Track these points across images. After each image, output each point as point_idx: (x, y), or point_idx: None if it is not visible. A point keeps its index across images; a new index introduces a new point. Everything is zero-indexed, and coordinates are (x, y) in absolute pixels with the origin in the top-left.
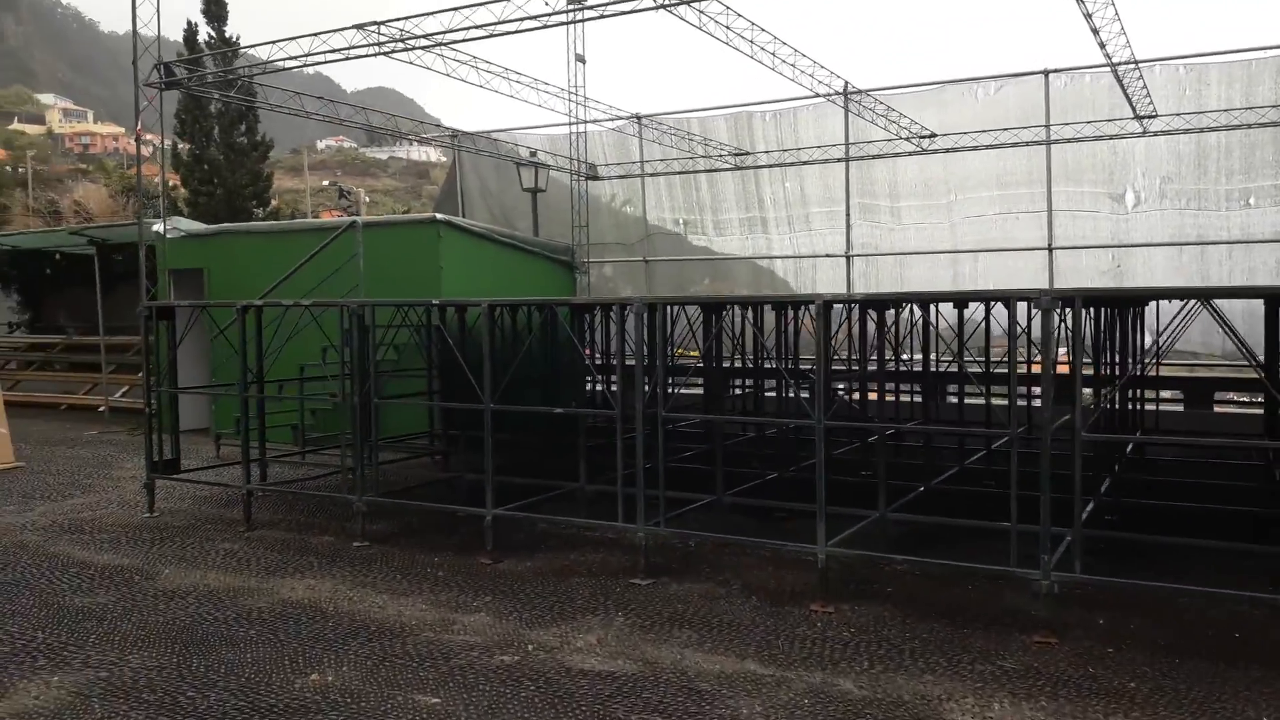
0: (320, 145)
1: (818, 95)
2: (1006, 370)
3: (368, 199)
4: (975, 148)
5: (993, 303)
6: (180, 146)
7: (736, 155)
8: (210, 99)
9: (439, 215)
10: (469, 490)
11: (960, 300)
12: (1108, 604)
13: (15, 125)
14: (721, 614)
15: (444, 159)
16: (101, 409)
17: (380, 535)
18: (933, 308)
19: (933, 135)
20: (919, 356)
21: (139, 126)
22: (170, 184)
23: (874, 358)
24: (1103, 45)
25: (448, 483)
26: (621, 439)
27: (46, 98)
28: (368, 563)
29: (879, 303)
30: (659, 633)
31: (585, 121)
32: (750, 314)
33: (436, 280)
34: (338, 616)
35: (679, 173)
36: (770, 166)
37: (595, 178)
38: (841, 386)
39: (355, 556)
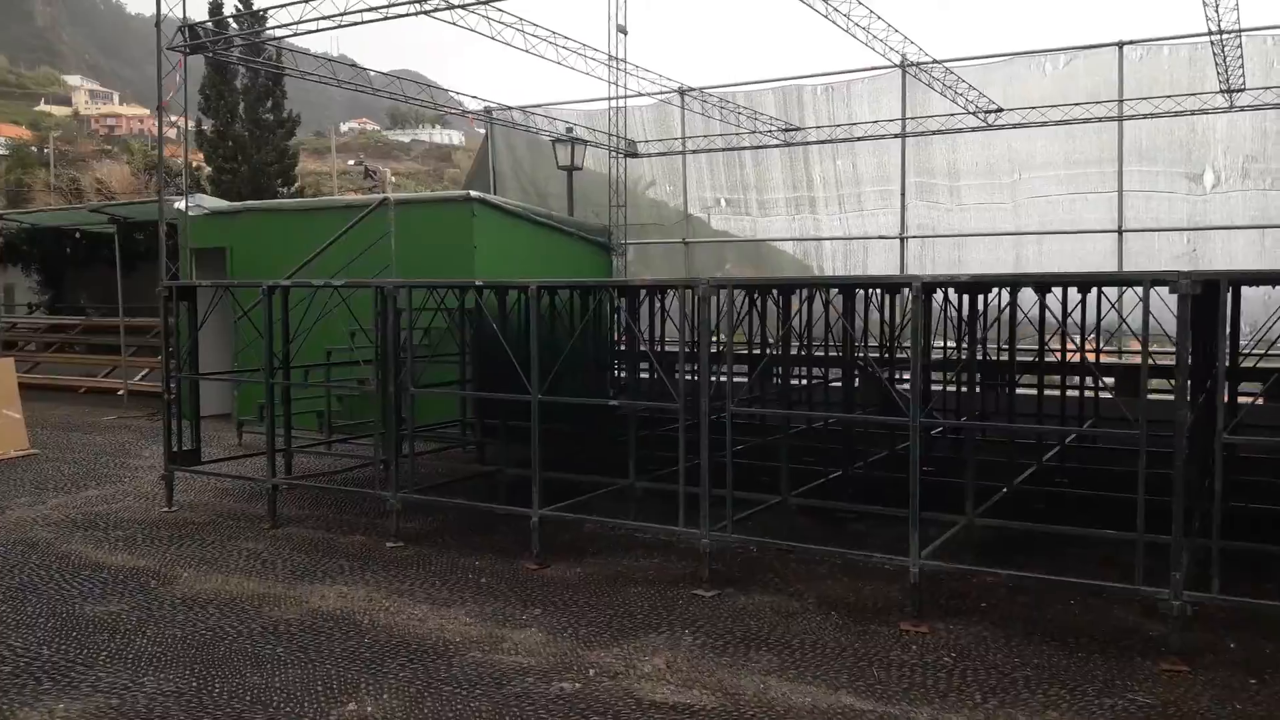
0: (343, 128)
1: (875, 68)
2: (1089, 360)
3: (394, 179)
4: (1044, 123)
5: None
6: (204, 124)
7: (785, 131)
8: (235, 73)
9: (473, 193)
10: (509, 486)
11: (1084, 283)
12: (1230, 624)
13: (42, 106)
14: (800, 633)
15: (466, 142)
16: (120, 392)
17: (415, 534)
18: (998, 293)
19: (999, 110)
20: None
21: (162, 96)
22: (193, 164)
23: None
24: (1214, 6)
25: (487, 477)
26: (684, 434)
27: (73, 79)
28: (403, 566)
29: (977, 286)
30: (734, 655)
31: (626, 96)
32: (802, 299)
33: (470, 260)
34: (374, 631)
35: (723, 150)
36: (821, 143)
37: (635, 155)
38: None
39: (390, 559)
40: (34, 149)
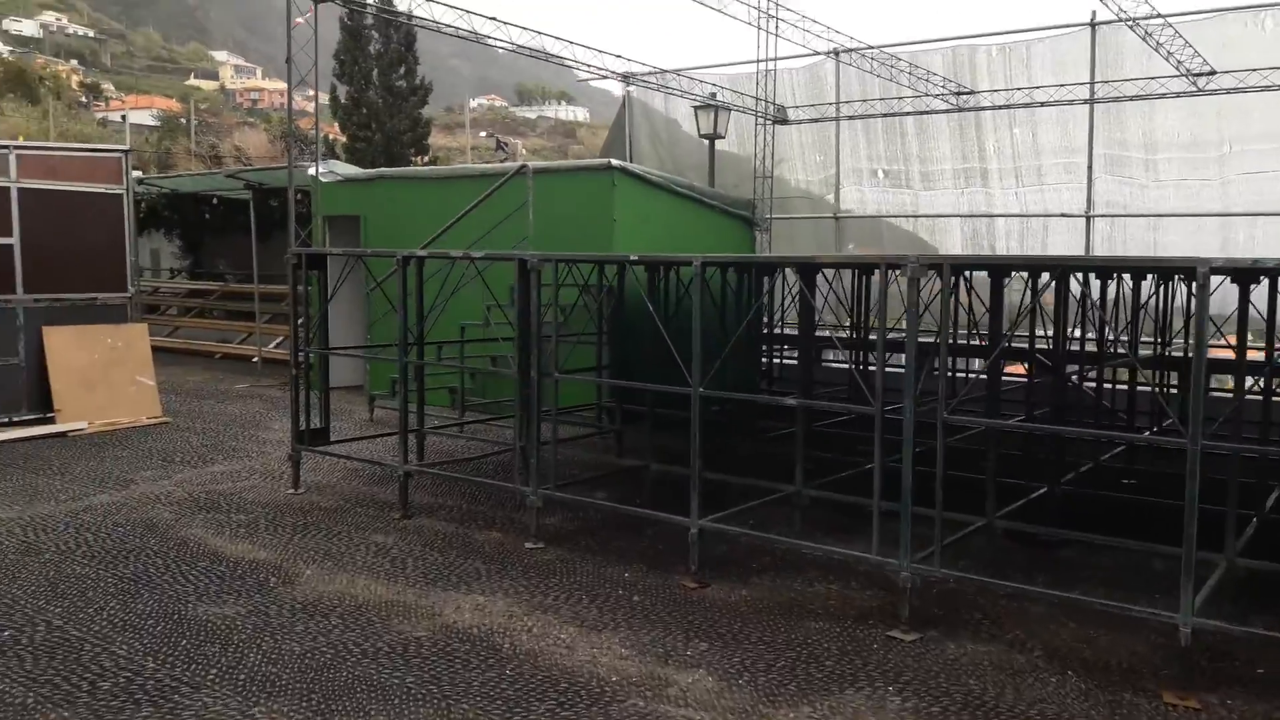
0: (472, 104)
1: (1060, 25)
2: None
3: (524, 152)
4: (1266, 88)
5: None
6: (338, 90)
7: (958, 95)
8: (369, 39)
9: (614, 161)
10: (654, 484)
11: None
12: None
13: (191, 80)
14: (1036, 700)
15: (591, 119)
16: (254, 359)
17: (555, 533)
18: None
19: (1212, 72)
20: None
21: (292, 50)
22: (327, 135)
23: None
24: None
25: (631, 473)
26: (880, 440)
27: (220, 54)
28: (545, 573)
29: (1251, 274)
30: None
31: (775, 59)
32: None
33: (609, 233)
34: (516, 659)
35: (882, 115)
36: (996, 108)
37: (784, 121)
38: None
39: (530, 562)
40: (182, 120)
